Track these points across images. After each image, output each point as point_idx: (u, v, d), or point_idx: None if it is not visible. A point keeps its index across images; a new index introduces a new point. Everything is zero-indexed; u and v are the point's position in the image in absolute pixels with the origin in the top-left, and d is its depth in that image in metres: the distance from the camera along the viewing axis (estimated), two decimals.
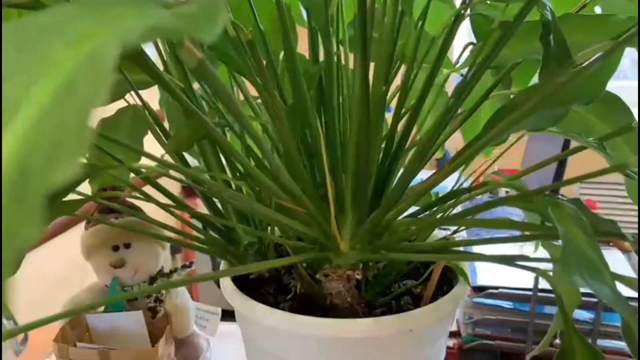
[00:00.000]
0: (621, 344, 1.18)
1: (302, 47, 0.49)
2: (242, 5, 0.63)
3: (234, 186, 0.50)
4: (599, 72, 0.36)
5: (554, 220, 0.27)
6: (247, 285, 0.47)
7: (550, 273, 0.36)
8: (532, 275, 1.18)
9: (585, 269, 0.25)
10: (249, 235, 0.49)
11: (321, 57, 0.49)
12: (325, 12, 0.38)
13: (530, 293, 1.19)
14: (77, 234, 0.61)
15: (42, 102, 0.11)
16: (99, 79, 0.11)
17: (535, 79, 0.64)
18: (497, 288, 1.24)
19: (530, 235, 0.39)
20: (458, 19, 0.43)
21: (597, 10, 0.61)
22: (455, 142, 0.55)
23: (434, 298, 0.46)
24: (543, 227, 0.39)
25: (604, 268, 0.28)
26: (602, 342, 1.18)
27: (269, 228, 0.52)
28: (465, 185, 0.51)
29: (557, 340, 1.22)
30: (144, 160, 0.56)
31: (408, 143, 0.46)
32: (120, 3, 0.16)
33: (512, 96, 0.61)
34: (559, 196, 0.33)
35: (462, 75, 0.63)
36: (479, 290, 1.22)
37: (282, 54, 0.62)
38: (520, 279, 1.21)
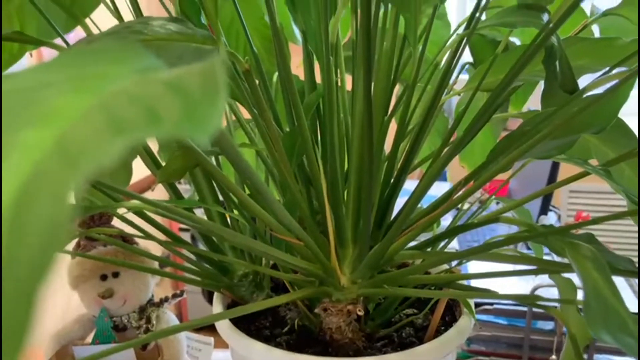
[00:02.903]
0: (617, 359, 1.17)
1: (293, 63, 0.47)
2: (234, 23, 0.62)
3: (228, 217, 0.48)
4: (611, 101, 0.35)
5: (574, 266, 0.25)
6: (242, 317, 0.45)
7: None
8: (526, 289, 1.17)
9: (611, 322, 0.23)
10: (243, 267, 0.47)
11: (314, 73, 0.48)
12: (324, 37, 0.36)
13: (525, 309, 1.17)
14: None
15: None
16: (66, 175, 0.09)
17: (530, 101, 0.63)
18: (492, 304, 1.22)
19: (539, 269, 0.37)
20: (462, 42, 0.41)
21: (595, 29, 0.60)
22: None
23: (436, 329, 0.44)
24: (550, 262, 0.38)
25: (627, 316, 0.26)
26: (599, 357, 1.17)
27: (263, 259, 0.50)
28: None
29: (553, 357, 1.21)
30: (133, 186, 0.54)
31: (410, 168, 0.44)
32: (103, 57, 0.14)
33: (510, 119, 0.60)
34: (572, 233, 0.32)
35: (459, 95, 0.62)
36: (474, 306, 1.20)
37: (275, 75, 0.61)
38: (514, 292, 1.19)
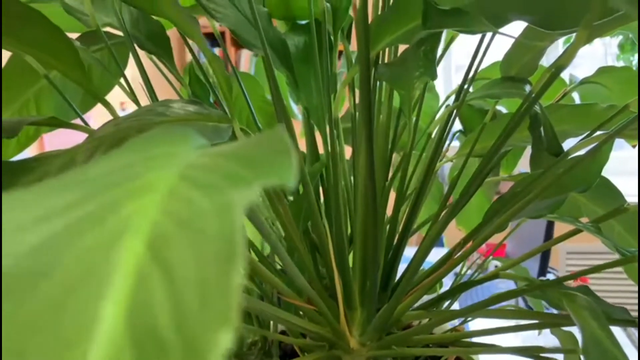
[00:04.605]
0: None
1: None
2: (237, 102, 0.66)
3: None
4: (594, 161, 0.38)
5: (572, 316, 0.27)
6: None
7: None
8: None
9: None
10: (252, 334, 0.48)
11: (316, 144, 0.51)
12: (327, 113, 0.39)
13: None
14: None
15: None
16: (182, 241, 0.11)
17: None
18: None
19: (541, 323, 0.39)
20: (452, 113, 0.45)
21: (575, 95, 0.64)
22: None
23: None
24: (551, 315, 0.39)
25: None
26: None
27: (271, 324, 0.51)
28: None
29: None
30: None
31: (411, 231, 0.47)
32: (164, 140, 0.16)
33: (501, 182, 0.63)
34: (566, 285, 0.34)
35: (451, 161, 0.65)
36: None
37: None
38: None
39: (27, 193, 0.13)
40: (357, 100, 0.48)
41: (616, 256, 0.47)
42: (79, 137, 0.34)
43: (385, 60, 0.45)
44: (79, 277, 0.11)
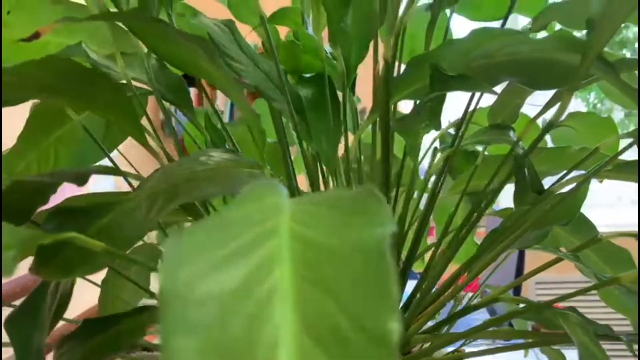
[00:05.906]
0: None
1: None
2: (246, 141, 0.70)
3: None
4: (574, 198, 0.44)
5: (569, 332, 0.32)
6: None
7: None
8: None
9: None
10: None
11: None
12: (345, 158, 0.44)
13: None
14: None
15: None
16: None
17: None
18: None
19: (534, 342, 0.44)
20: (448, 158, 0.50)
21: (547, 138, 0.71)
22: None
23: None
24: (543, 334, 0.44)
25: None
26: None
27: None
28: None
29: None
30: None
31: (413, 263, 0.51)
32: (263, 192, 0.21)
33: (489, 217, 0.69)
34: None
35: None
36: None
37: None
38: None
39: (191, 231, 0.17)
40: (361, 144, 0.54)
41: (585, 285, 0.53)
42: None
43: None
44: (251, 294, 0.15)
